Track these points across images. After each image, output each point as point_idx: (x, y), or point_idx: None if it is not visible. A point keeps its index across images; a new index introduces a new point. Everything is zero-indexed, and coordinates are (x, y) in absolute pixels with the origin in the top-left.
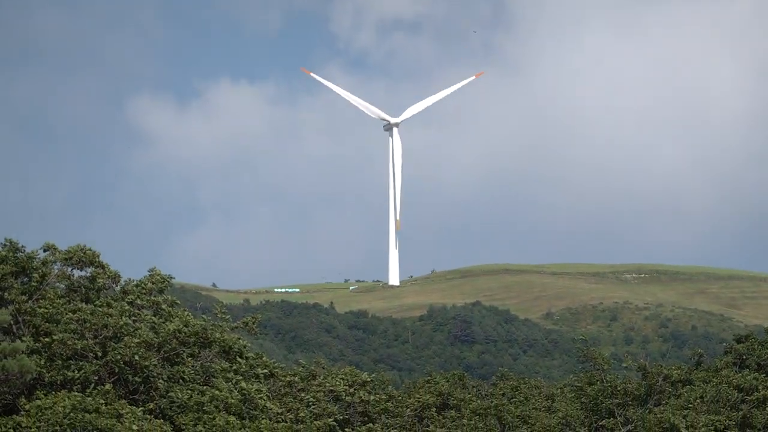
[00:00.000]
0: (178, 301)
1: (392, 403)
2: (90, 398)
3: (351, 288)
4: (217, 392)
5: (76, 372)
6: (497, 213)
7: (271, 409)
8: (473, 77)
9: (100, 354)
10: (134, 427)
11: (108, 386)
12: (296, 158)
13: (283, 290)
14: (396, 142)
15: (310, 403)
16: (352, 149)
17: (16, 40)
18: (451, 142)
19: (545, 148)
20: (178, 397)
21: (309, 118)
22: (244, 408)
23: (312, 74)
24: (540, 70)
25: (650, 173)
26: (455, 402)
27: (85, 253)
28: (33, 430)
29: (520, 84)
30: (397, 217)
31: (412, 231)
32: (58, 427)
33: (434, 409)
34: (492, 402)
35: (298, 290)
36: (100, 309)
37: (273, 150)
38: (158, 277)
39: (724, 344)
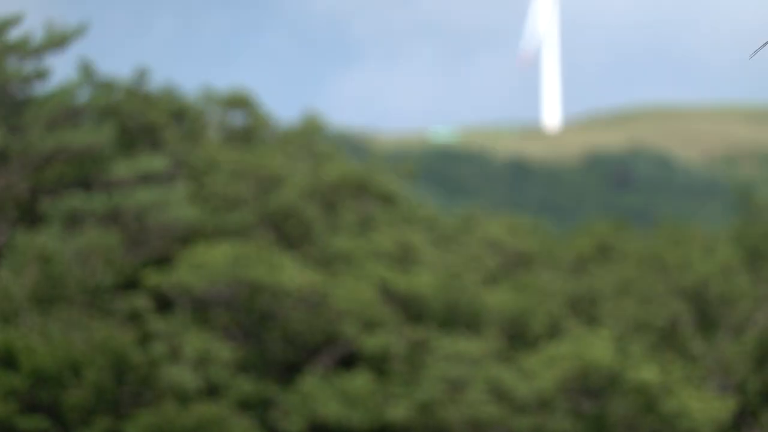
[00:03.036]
0: (335, 146)
1: (551, 251)
2: (249, 247)
3: (509, 131)
4: (376, 241)
5: (234, 220)
6: (656, 50)
7: (429, 260)
8: None
9: (258, 201)
10: (297, 278)
11: (268, 234)
12: None
13: (440, 134)
14: None
15: (468, 253)
16: None
17: None
18: None
19: None
20: (336, 245)
21: None
22: (403, 257)
23: None
24: None
25: None
26: (615, 249)
27: (242, 96)
28: (190, 283)
29: None
30: (524, 55)
31: (571, 70)
32: (217, 279)
33: (594, 257)
34: (652, 249)
35: (455, 134)
36: (258, 155)
37: None
38: (314, 121)
39: None
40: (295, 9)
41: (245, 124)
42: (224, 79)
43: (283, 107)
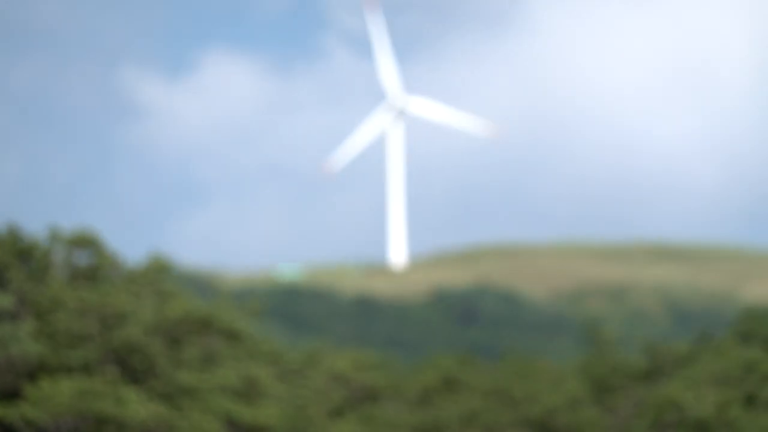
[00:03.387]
0: (179, 285)
1: (397, 385)
2: (94, 383)
3: (355, 270)
4: (220, 376)
5: (79, 355)
6: (501, 191)
7: (274, 393)
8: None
9: (103, 338)
10: (142, 412)
11: (112, 371)
12: (294, 132)
13: (287, 272)
14: (396, 122)
15: (314, 386)
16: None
17: (10, 27)
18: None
19: (548, 123)
20: (181, 380)
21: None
22: (248, 391)
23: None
24: (543, 40)
25: (654, 149)
26: (460, 382)
27: (87, 237)
28: (37, 416)
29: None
30: (330, 164)
31: (417, 210)
32: (63, 413)
33: (440, 389)
34: (498, 382)
35: (302, 272)
36: (103, 293)
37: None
38: (161, 261)
39: (731, 320)
40: (141, 150)
41: (91, 264)
42: (70, 219)
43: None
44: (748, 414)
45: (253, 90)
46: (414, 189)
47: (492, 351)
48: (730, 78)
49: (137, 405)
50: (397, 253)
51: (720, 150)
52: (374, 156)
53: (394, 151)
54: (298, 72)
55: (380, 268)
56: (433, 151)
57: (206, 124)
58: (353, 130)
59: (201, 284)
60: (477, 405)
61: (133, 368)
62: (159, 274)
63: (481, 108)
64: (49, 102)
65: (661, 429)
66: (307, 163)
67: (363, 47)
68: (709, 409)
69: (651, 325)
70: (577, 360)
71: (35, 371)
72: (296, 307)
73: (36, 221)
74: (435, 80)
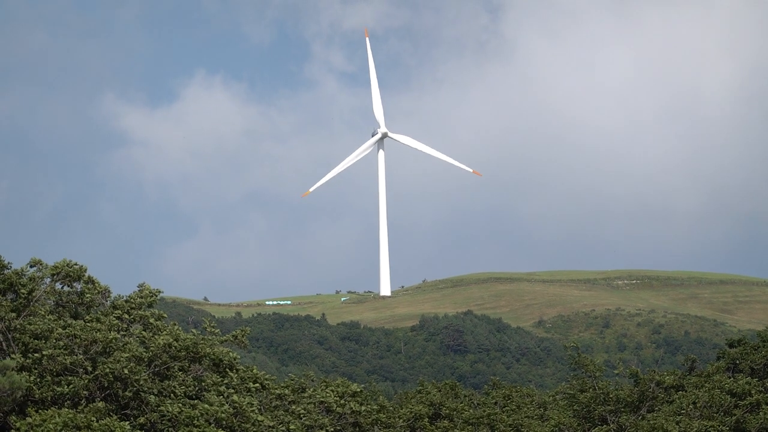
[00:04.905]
0: (165, 315)
1: (384, 414)
2: (81, 415)
3: (342, 299)
4: (208, 406)
5: (66, 387)
6: (486, 223)
7: (262, 422)
8: (470, 171)
9: (90, 369)
10: None
11: (100, 403)
12: (281, 164)
13: (275, 302)
14: (381, 154)
15: (302, 416)
16: (340, 155)
17: None
18: (438, 148)
19: (531, 154)
20: (168, 411)
21: (289, 118)
22: (235, 421)
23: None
24: (526, 68)
25: (638, 178)
26: (447, 412)
27: (72, 268)
28: None
29: (506, 85)
30: (310, 190)
31: (403, 242)
32: None
33: (427, 419)
34: (484, 411)
35: (289, 302)
36: (90, 324)
37: (255, 154)
38: (147, 292)
39: (717, 349)
40: (125, 180)
41: (77, 295)
42: (55, 249)
43: (115, 278)
44: None
45: (236, 119)
46: (401, 218)
47: (479, 379)
48: (714, 103)
49: None
50: (384, 283)
51: (705, 180)
52: (360, 186)
53: (380, 181)
54: (280, 101)
55: (367, 298)
56: (418, 180)
57: (189, 153)
58: (338, 159)
59: (188, 314)
60: None
61: (120, 399)
62: (146, 306)
63: (465, 137)
64: (32, 132)
65: None
66: (293, 191)
67: (346, 76)
68: None
69: (637, 353)
70: (562, 388)
71: (23, 403)
72: (283, 336)
73: (21, 252)
74: (418, 109)
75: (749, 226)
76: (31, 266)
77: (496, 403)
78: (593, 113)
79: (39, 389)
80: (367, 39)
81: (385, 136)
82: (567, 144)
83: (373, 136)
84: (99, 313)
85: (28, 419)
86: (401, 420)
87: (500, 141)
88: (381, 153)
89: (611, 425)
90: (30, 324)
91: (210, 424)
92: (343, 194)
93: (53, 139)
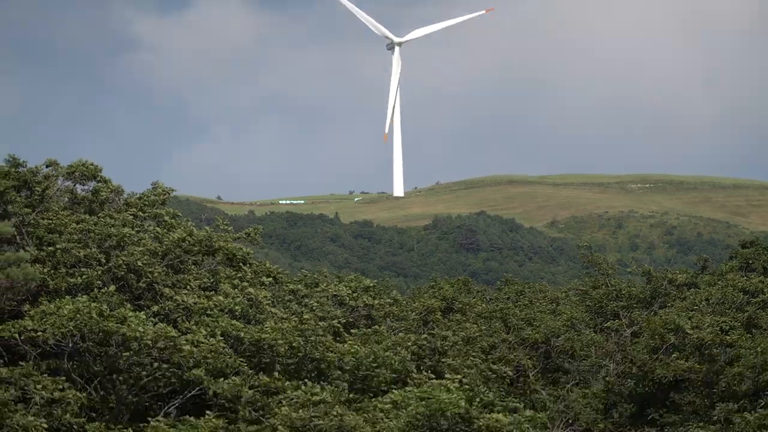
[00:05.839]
0: (180, 213)
1: (397, 307)
2: (94, 303)
3: (356, 199)
4: (222, 298)
5: (80, 278)
6: (502, 125)
7: (275, 314)
8: (483, 12)
9: (103, 261)
10: (140, 329)
11: (112, 288)
12: (296, 68)
13: (288, 201)
14: (396, 60)
15: (314, 308)
16: (353, 60)
17: None
18: (455, 56)
19: (548, 61)
20: (183, 301)
21: (301, 26)
22: (251, 311)
23: None
24: None
25: (653, 83)
26: (460, 306)
27: (87, 167)
28: (39, 334)
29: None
30: (386, 131)
31: (417, 143)
32: (63, 329)
33: (439, 312)
34: (497, 306)
35: (303, 202)
36: (103, 220)
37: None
38: (161, 190)
39: (730, 250)
40: (137, 84)
41: (92, 193)
42: (69, 152)
43: (129, 180)
44: (748, 337)
45: (247, 25)
46: (414, 122)
47: (491, 276)
48: (731, 13)
49: (142, 324)
50: (398, 184)
51: (720, 85)
52: (374, 91)
53: (393, 87)
54: (291, 8)
55: (381, 198)
56: (431, 85)
57: (201, 57)
58: (351, 66)
59: (201, 212)
60: (476, 328)
61: (134, 290)
62: (159, 203)
63: (484, 43)
64: (46, 38)
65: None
66: (306, 96)
67: None
68: (709, 333)
69: (650, 253)
70: (575, 285)
71: (36, 293)
72: (296, 233)
73: (36, 154)
74: (432, 14)
75: (763, 131)
76: (46, 166)
77: (508, 298)
78: (611, 22)
79: (53, 280)
80: None
81: (398, 44)
82: (581, 52)
83: (389, 49)
84: (113, 210)
85: (42, 307)
86: (414, 313)
87: (518, 46)
88: (397, 60)
89: (623, 320)
90: (44, 219)
91: (224, 313)
92: (358, 99)
93: (65, 43)
